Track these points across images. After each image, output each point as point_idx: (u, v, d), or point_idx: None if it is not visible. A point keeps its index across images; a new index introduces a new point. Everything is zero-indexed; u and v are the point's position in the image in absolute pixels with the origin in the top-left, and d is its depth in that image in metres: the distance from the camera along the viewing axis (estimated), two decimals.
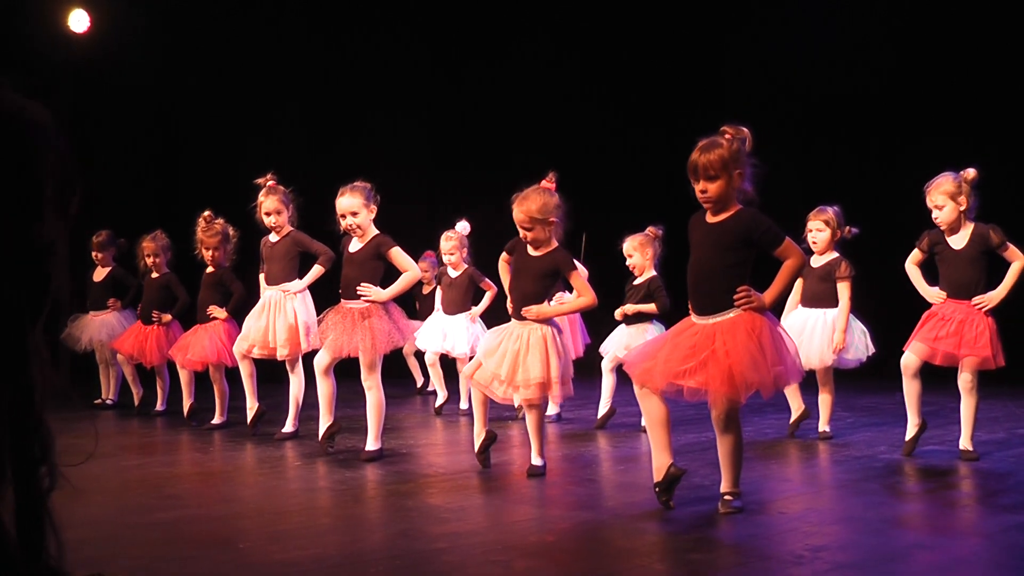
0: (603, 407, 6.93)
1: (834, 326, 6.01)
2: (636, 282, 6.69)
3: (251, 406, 6.75)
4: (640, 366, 4.25)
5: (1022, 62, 9.53)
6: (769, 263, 4.21)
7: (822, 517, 4.15)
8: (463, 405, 7.91)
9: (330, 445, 5.89)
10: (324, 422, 5.91)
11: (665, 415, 4.22)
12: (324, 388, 5.87)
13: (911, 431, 5.56)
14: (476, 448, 5.29)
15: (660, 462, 4.23)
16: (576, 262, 5.28)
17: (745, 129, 4.17)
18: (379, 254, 5.65)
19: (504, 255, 5.32)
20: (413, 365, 9.54)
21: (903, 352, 5.48)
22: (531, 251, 5.12)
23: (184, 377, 7.34)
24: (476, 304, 7.91)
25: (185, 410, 7.34)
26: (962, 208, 5.26)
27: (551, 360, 4.95)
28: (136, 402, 8.09)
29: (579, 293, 5.14)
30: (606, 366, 6.89)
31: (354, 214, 5.63)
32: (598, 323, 7.41)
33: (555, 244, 5.10)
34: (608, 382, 6.92)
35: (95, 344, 8.44)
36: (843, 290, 6.04)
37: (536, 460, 5.14)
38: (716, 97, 10.69)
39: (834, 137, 10.53)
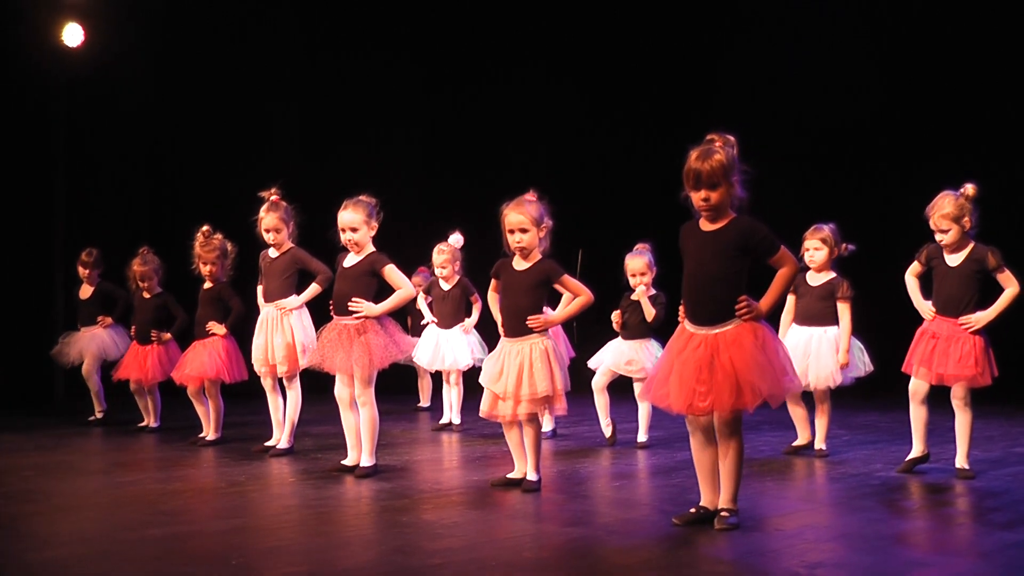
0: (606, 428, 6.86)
1: (838, 345, 6.02)
2: (635, 297, 6.64)
3: (277, 438, 6.60)
4: (657, 393, 4.25)
5: (1014, 78, 9.60)
6: (759, 272, 4.22)
7: (818, 534, 4.13)
8: (456, 420, 7.90)
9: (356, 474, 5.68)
10: (354, 456, 5.74)
11: (715, 463, 4.24)
12: (350, 420, 5.73)
13: (914, 454, 5.56)
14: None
15: (711, 496, 4.27)
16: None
17: (731, 137, 4.19)
18: (373, 271, 5.62)
19: (492, 283, 5.33)
20: (425, 385, 9.51)
21: (904, 374, 5.51)
22: (517, 266, 5.14)
23: (201, 410, 7.13)
24: (467, 315, 7.92)
25: (210, 437, 7.08)
26: (965, 229, 5.27)
27: (555, 372, 4.97)
28: (147, 422, 7.98)
29: (576, 293, 5.14)
30: (599, 383, 6.81)
31: (354, 230, 5.61)
32: (593, 337, 7.39)
33: (539, 255, 5.13)
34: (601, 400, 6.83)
35: (84, 355, 8.38)
36: (844, 310, 6.05)
37: (532, 475, 5.14)
38: (709, 113, 10.72)
39: (829, 154, 10.56)
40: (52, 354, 8.64)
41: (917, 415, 5.51)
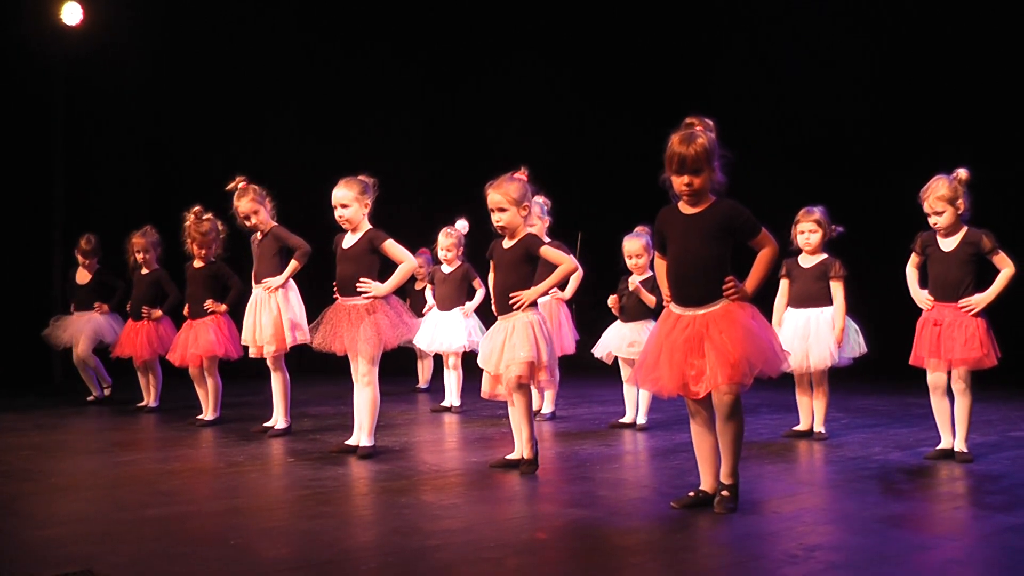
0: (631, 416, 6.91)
1: (834, 324, 6.04)
2: (631, 288, 6.66)
3: (275, 420, 6.61)
4: (648, 377, 4.24)
5: (1006, 65, 9.59)
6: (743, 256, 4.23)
7: (816, 517, 4.14)
8: (456, 403, 7.91)
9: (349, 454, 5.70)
10: (359, 436, 5.74)
11: (715, 447, 4.23)
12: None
13: (943, 445, 5.53)
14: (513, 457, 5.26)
15: (711, 481, 4.26)
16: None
17: (710, 120, 4.18)
18: (373, 248, 5.61)
19: (491, 265, 5.32)
20: (424, 367, 9.55)
21: (905, 361, 5.51)
22: (504, 245, 5.14)
23: (202, 391, 7.15)
24: (469, 299, 7.94)
25: (208, 417, 7.09)
26: (959, 212, 5.27)
27: (540, 343, 4.96)
28: (146, 402, 8.00)
29: (557, 263, 5.10)
30: (626, 374, 6.82)
31: (344, 206, 5.59)
32: (592, 323, 7.39)
33: (524, 232, 5.11)
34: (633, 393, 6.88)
35: (79, 338, 8.36)
36: (837, 289, 6.10)
37: (527, 452, 5.12)
38: (705, 98, 10.73)
39: (826, 150, 10.56)
40: (43, 335, 8.63)
41: (940, 408, 5.51)
